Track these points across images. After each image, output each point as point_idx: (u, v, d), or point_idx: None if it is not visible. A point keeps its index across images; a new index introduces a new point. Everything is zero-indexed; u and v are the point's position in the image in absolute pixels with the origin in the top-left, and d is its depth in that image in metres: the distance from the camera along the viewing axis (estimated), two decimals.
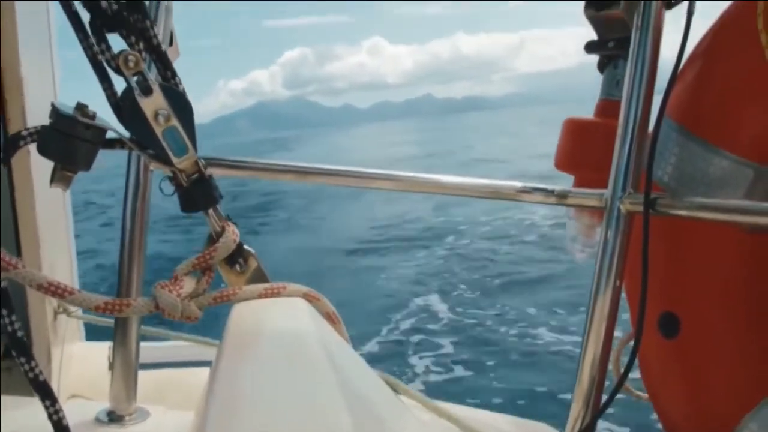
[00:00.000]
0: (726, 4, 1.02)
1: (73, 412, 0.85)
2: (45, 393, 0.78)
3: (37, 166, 1.27)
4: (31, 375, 0.78)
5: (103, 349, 1.47)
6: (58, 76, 1.38)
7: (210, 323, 0.98)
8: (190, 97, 0.86)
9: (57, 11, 1.33)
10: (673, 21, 1.02)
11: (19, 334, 0.78)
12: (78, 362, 1.50)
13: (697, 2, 0.95)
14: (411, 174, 1.08)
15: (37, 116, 0.87)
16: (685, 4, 0.97)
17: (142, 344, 1.20)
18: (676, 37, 0.96)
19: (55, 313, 1.41)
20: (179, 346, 1.54)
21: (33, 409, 0.80)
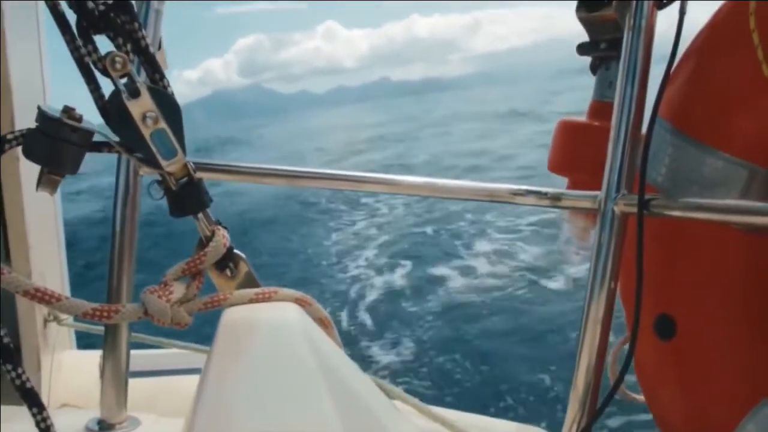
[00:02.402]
0: (718, 4, 1.01)
1: (63, 420, 0.84)
2: (32, 401, 0.77)
3: (27, 171, 1.25)
4: (17, 382, 0.77)
5: (94, 357, 1.46)
6: (48, 79, 1.37)
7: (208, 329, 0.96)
8: None
9: (46, 12, 1.32)
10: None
11: (6, 340, 0.77)
12: (69, 370, 1.48)
13: (689, 2, 0.95)
14: (404, 177, 1.07)
15: (28, 120, 0.86)
16: (677, 5, 0.97)
17: (133, 352, 1.18)
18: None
19: (45, 321, 1.39)
20: (171, 354, 1.52)
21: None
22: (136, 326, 1.08)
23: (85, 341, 1.60)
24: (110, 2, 0.79)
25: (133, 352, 1.17)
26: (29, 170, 1.24)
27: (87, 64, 0.82)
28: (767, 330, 1.00)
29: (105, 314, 0.82)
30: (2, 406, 1.10)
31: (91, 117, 0.83)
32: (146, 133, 0.81)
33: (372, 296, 7.93)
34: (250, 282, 0.95)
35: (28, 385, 0.77)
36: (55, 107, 0.81)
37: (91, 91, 0.83)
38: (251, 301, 0.90)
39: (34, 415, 0.77)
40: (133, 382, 1.16)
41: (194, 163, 0.87)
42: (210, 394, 0.68)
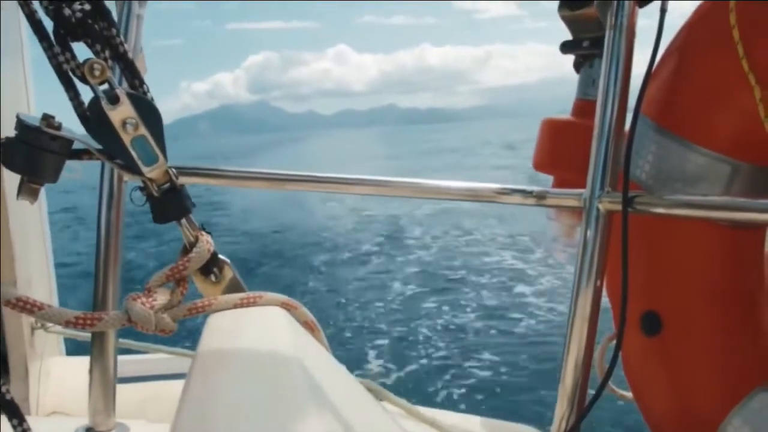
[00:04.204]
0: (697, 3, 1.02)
1: (51, 428, 0.83)
2: (11, 412, 0.76)
3: (10, 178, 1.24)
4: None
5: (83, 363, 1.45)
6: (32, 86, 1.36)
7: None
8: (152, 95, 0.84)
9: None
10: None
11: None
12: (58, 377, 1.47)
13: (670, 0, 0.95)
14: (388, 178, 1.07)
15: (9, 128, 0.86)
16: (657, 3, 0.97)
17: (122, 358, 1.17)
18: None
19: (33, 329, 1.38)
20: (159, 359, 1.51)
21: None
22: (124, 331, 1.07)
23: (76, 346, 1.59)
24: (87, 9, 0.79)
25: (121, 357, 1.16)
26: (12, 177, 1.24)
27: (65, 72, 0.81)
28: (752, 324, 1.01)
29: (88, 322, 0.82)
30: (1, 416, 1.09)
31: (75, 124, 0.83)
32: (126, 139, 0.80)
33: None
34: (235, 287, 0.94)
35: (8, 396, 0.76)
36: (34, 116, 0.80)
37: (71, 99, 0.83)
38: (236, 306, 0.89)
39: (14, 427, 0.76)
40: (121, 388, 1.15)
41: (176, 168, 0.87)
42: (193, 401, 0.67)
